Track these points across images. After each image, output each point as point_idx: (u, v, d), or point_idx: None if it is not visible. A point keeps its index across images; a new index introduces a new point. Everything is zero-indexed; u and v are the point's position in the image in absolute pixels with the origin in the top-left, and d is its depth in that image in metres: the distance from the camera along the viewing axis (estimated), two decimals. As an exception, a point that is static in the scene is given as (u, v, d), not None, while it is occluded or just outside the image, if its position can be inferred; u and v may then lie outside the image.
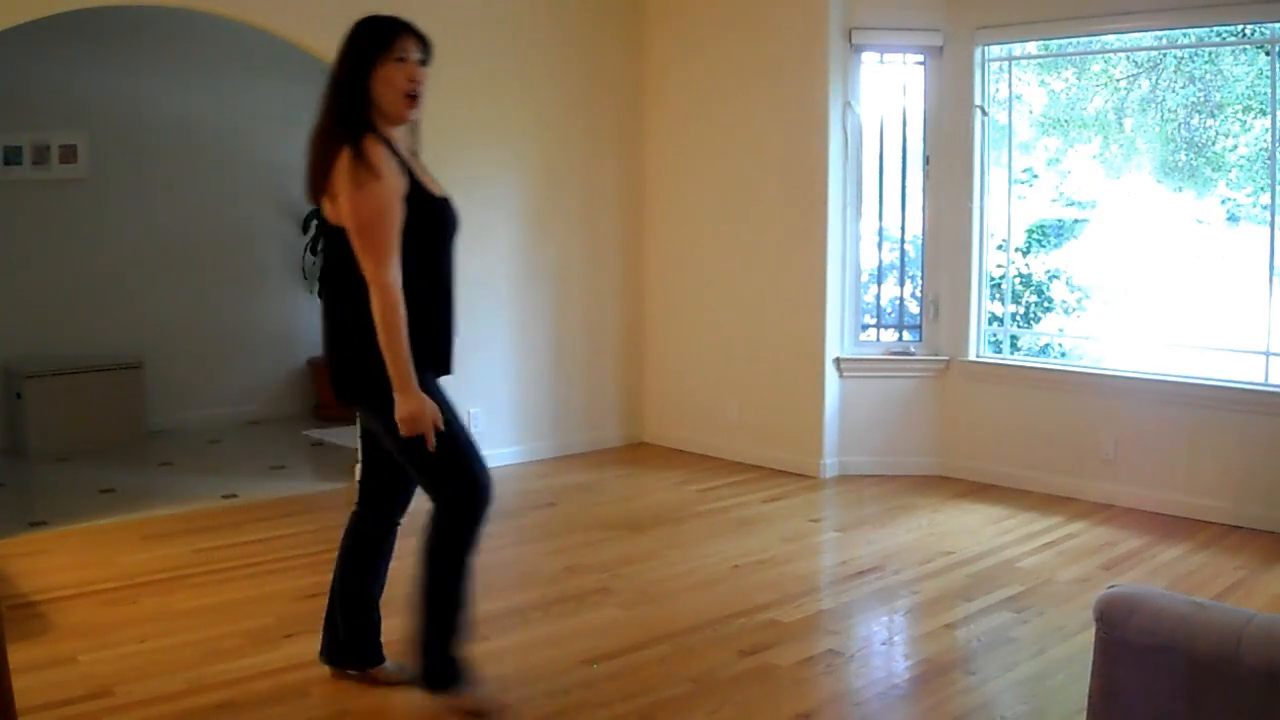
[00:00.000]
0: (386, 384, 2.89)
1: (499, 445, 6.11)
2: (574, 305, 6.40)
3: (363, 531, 3.42)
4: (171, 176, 6.94)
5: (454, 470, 3.13)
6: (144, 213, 6.86)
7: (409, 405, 2.90)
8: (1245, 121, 5.62)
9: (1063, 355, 6.11)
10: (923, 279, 5.99)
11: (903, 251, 6.06)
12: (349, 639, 3.30)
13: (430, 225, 2.99)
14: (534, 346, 6.25)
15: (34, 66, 6.38)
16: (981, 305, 5.86)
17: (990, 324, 5.93)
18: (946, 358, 5.88)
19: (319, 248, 3.08)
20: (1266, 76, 5.13)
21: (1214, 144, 5.78)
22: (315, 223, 2.94)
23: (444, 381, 3.13)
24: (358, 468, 3.44)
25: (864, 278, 6.03)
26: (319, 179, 2.90)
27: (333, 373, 3.08)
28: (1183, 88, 5.78)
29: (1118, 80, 6.00)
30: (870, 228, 6.02)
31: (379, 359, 2.87)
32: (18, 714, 2.42)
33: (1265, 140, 5.19)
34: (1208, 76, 5.65)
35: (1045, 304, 6.34)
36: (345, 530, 3.41)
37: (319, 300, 3.21)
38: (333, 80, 2.94)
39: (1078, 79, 6.13)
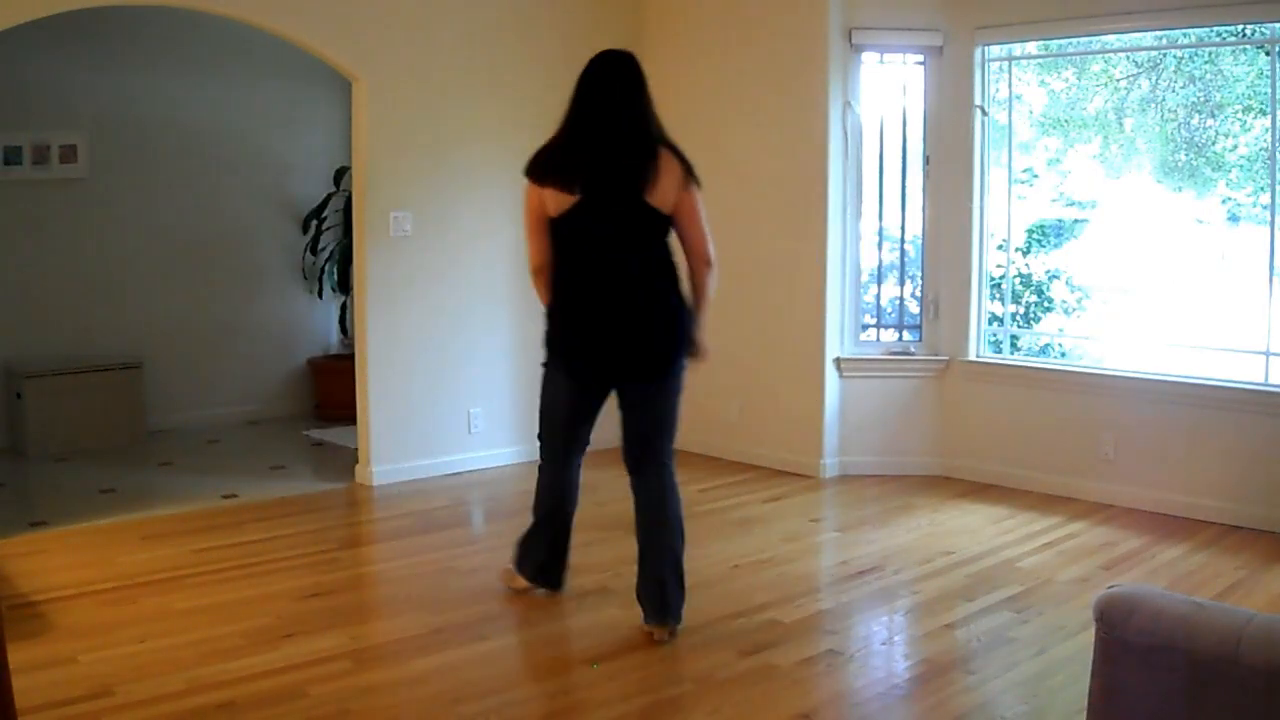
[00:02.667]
0: (685, 352, 3.66)
1: (499, 445, 6.12)
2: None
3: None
4: (171, 176, 6.94)
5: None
6: (144, 213, 6.86)
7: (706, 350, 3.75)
8: (1245, 121, 5.62)
9: (1063, 355, 6.11)
10: (923, 279, 5.99)
11: (903, 251, 6.06)
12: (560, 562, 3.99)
13: None
14: (533, 346, 6.19)
15: (34, 66, 6.38)
16: (981, 305, 5.86)
17: (990, 324, 5.93)
18: (946, 358, 5.88)
19: (595, 233, 3.60)
20: (1266, 76, 5.13)
21: (1214, 144, 5.78)
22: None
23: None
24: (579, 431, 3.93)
25: (864, 278, 6.03)
26: (645, 169, 3.49)
27: (636, 353, 3.62)
28: (1183, 88, 5.78)
29: (1118, 80, 5.99)
30: (870, 228, 6.02)
31: (688, 327, 3.63)
32: (18, 714, 2.42)
33: (1265, 140, 5.19)
34: (1208, 76, 5.65)
35: (1045, 304, 6.34)
36: (569, 475, 3.95)
37: (605, 278, 3.58)
38: (642, 92, 3.58)
39: (1078, 79, 6.13)
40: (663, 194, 3.52)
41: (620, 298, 3.58)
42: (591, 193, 3.51)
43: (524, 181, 3.61)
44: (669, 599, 3.65)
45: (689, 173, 3.56)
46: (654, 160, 3.51)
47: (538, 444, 3.97)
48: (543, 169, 3.56)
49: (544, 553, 3.99)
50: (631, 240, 3.57)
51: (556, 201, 3.53)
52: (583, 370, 3.71)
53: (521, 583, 4.06)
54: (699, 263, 3.65)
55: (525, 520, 4.06)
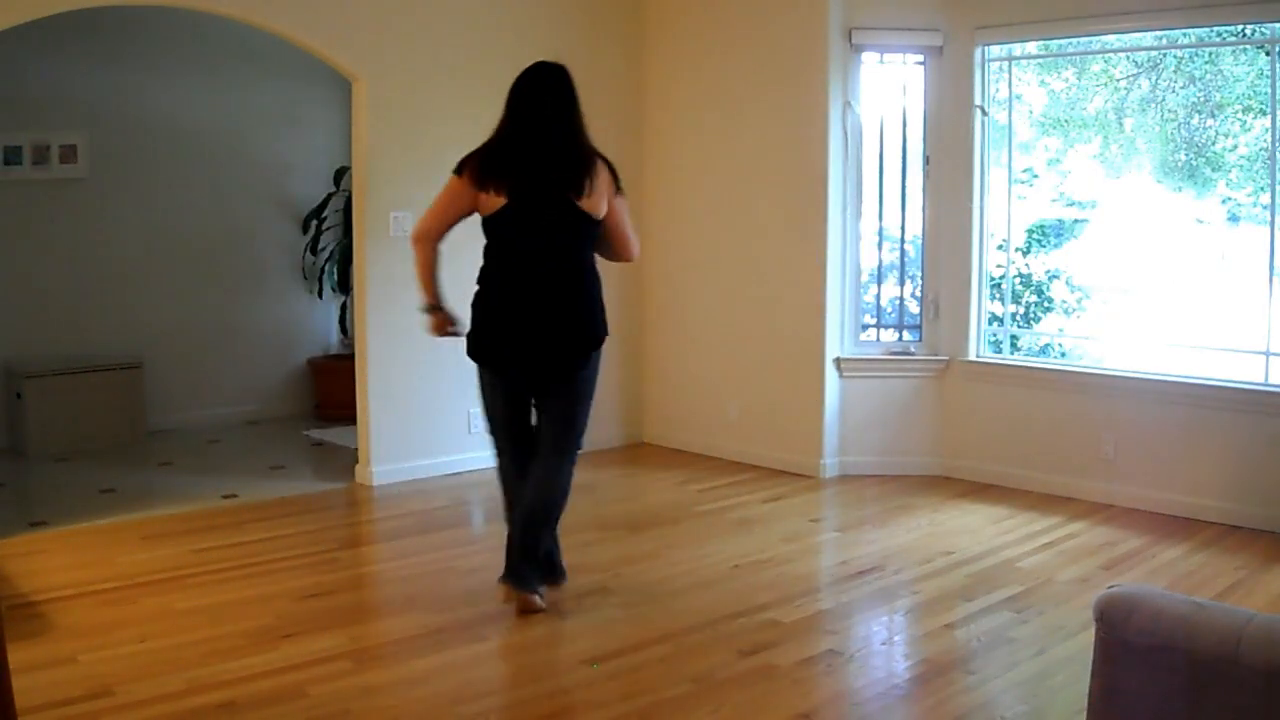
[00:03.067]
0: (598, 350, 3.91)
1: (499, 445, 6.12)
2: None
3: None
4: (171, 176, 6.94)
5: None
6: (144, 213, 6.86)
7: None
8: (1245, 121, 5.62)
9: (1063, 355, 6.11)
10: (923, 279, 5.99)
11: (903, 251, 6.06)
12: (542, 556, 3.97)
13: None
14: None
15: (34, 66, 6.38)
16: (981, 305, 5.86)
17: (990, 324, 5.93)
18: (946, 358, 5.89)
19: (541, 233, 3.84)
20: (1266, 76, 5.13)
21: (1214, 144, 5.78)
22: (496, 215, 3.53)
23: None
24: (512, 422, 4.01)
25: (864, 278, 6.03)
26: (581, 178, 3.74)
27: (575, 333, 3.83)
28: (1183, 88, 5.78)
29: (1118, 80, 5.99)
30: (870, 228, 6.02)
31: (603, 328, 3.91)
32: (18, 714, 2.42)
33: (1265, 140, 5.19)
34: (1208, 76, 5.65)
35: (1045, 304, 6.34)
36: (513, 475, 4.00)
37: (532, 277, 3.80)
38: (576, 104, 3.81)
39: (1078, 79, 6.12)
40: (596, 200, 3.78)
41: (543, 295, 3.79)
42: (527, 196, 3.73)
43: (450, 176, 3.81)
44: (558, 563, 4.01)
45: (617, 181, 3.86)
46: (591, 169, 3.77)
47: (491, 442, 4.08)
48: (484, 172, 3.75)
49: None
50: (560, 243, 3.80)
51: (491, 202, 3.74)
52: (503, 364, 3.86)
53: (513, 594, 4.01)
54: (625, 260, 4.09)
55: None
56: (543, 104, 3.77)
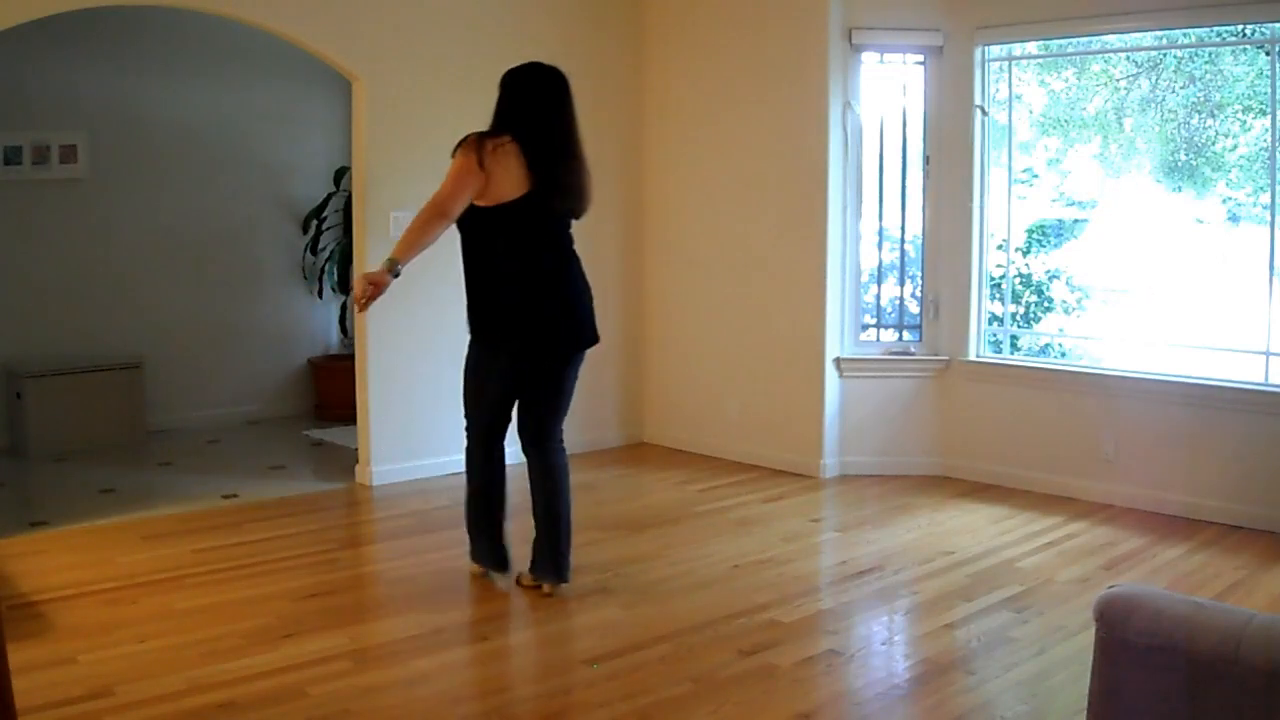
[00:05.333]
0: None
1: (499, 445, 6.11)
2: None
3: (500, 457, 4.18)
4: (171, 176, 6.94)
5: None
6: (144, 213, 6.86)
7: None
8: (1245, 121, 5.62)
9: (1063, 355, 6.10)
10: (923, 279, 5.99)
11: (903, 251, 6.06)
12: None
13: None
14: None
15: (34, 66, 6.38)
16: (981, 305, 5.86)
17: (990, 324, 5.93)
18: (946, 358, 5.89)
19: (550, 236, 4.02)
20: (1266, 76, 5.13)
21: (1214, 144, 5.78)
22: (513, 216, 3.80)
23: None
24: (502, 411, 4.13)
25: (864, 278, 6.03)
26: (587, 189, 3.98)
27: (584, 323, 4.02)
28: (1183, 88, 5.77)
29: (1118, 80, 5.99)
30: (870, 228, 6.02)
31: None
32: (18, 714, 2.42)
33: (1265, 140, 5.19)
34: (1208, 76, 5.65)
35: (1045, 304, 6.33)
36: (497, 458, 4.14)
37: (551, 271, 3.95)
38: (573, 117, 3.93)
39: (1078, 79, 6.12)
40: (581, 203, 4.02)
41: (563, 289, 3.96)
42: (549, 194, 3.85)
43: (458, 155, 3.82)
44: (566, 561, 4.07)
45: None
46: (585, 176, 3.99)
47: (465, 425, 4.15)
48: (512, 163, 3.81)
49: (486, 531, 4.17)
50: (566, 240, 4.00)
51: (504, 191, 3.80)
52: (530, 349, 3.94)
53: (478, 569, 4.27)
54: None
55: (525, 520, 4.07)
56: (560, 114, 3.91)
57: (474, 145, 3.80)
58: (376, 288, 3.79)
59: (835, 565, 4.61)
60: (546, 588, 4.06)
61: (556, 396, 4.06)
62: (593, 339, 4.08)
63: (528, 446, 4.09)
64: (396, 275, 3.83)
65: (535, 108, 3.89)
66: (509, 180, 3.79)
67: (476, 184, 3.79)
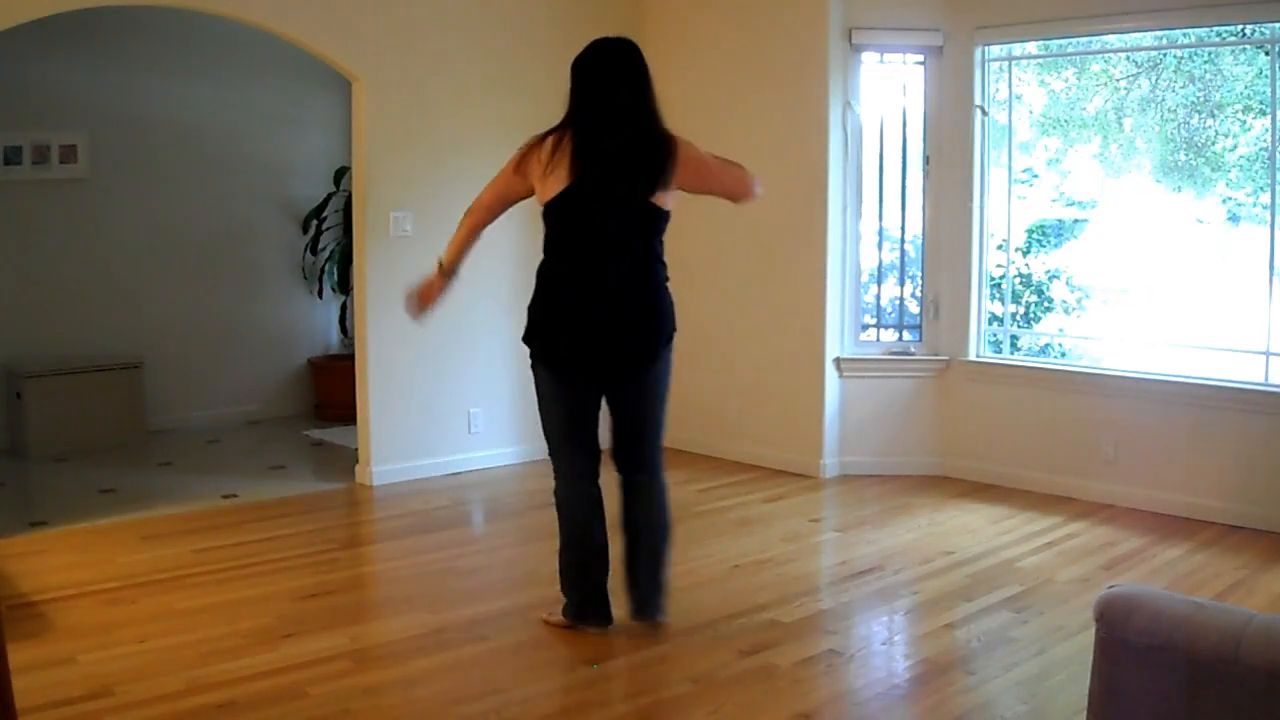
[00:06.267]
0: (669, 344, 3.68)
1: (499, 445, 6.12)
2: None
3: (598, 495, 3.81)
4: (171, 176, 6.94)
5: None
6: (144, 213, 6.86)
7: None
8: (1245, 121, 5.62)
9: (1063, 355, 6.10)
10: (923, 279, 5.99)
11: (903, 251, 6.06)
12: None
13: None
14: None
15: (34, 66, 6.38)
16: (981, 305, 5.86)
17: (990, 324, 5.93)
18: (946, 358, 5.88)
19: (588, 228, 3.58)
20: (1266, 76, 5.12)
21: (1214, 144, 5.77)
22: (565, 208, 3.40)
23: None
24: (577, 442, 3.78)
25: (864, 278, 6.03)
26: (654, 171, 3.52)
27: (640, 330, 3.60)
28: (1183, 88, 5.77)
29: (1118, 80, 5.99)
30: (870, 228, 6.02)
31: (672, 319, 3.68)
32: (18, 714, 2.42)
33: (1265, 140, 5.19)
34: (1208, 76, 5.65)
35: (1045, 304, 6.34)
36: (587, 503, 3.78)
37: (596, 271, 3.55)
38: (648, 86, 3.62)
39: (1078, 79, 6.12)
40: (666, 194, 3.58)
41: (607, 290, 3.53)
42: (593, 186, 3.47)
43: (515, 147, 3.59)
44: (656, 599, 3.72)
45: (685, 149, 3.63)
46: (668, 161, 3.53)
47: (552, 464, 3.79)
48: (548, 155, 3.49)
49: (581, 586, 3.73)
50: (625, 235, 3.57)
51: (549, 188, 3.49)
52: (561, 363, 3.60)
53: (561, 620, 3.79)
54: (748, 198, 4.00)
55: (525, 520, 4.08)
56: (614, 88, 3.52)
57: (523, 147, 3.56)
58: (427, 296, 3.74)
59: (835, 565, 4.61)
60: (645, 626, 3.71)
61: (625, 421, 3.70)
62: (639, 357, 3.61)
63: (617, 471, 3.75)
64: (451, 275, 3.72)
65: (583, 91, 3.55)
66: (557, 175, 3.46)
67: (510, 187, 3.60)
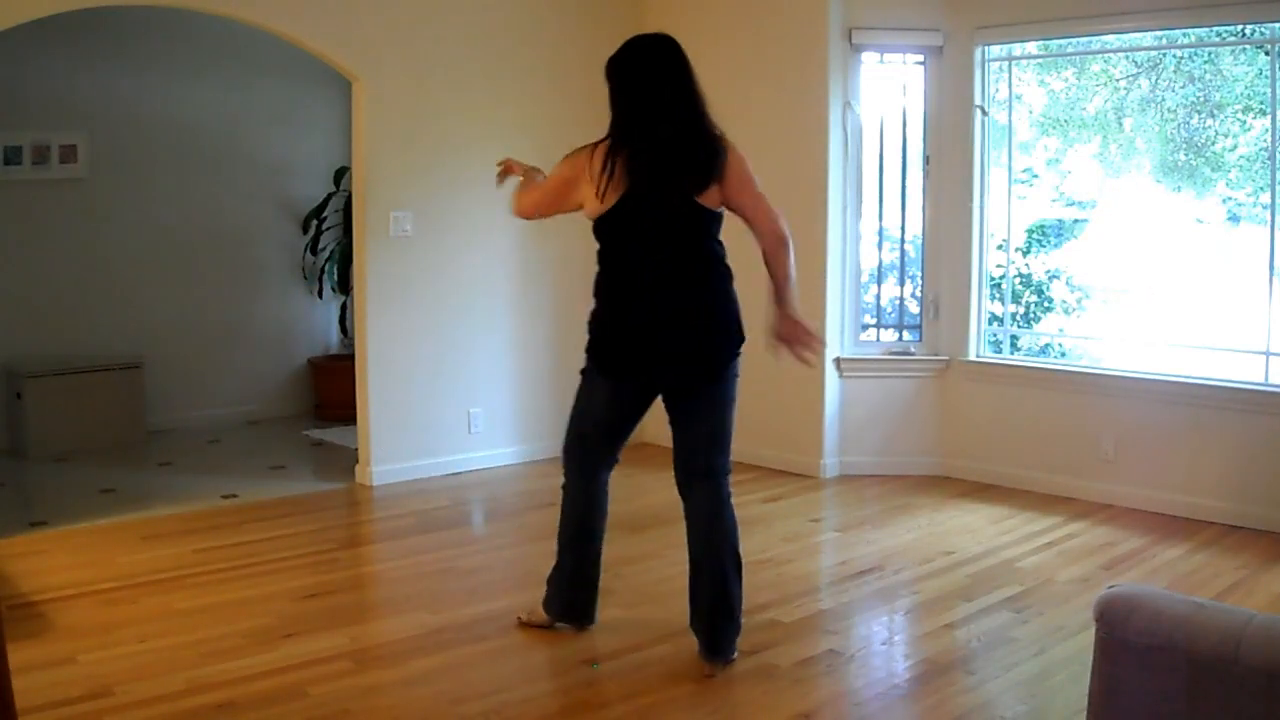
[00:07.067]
0: (737, 354, 3.49)
1: (499, 445, 6.12)
2: (574, 305, 6.38)
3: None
4: (171, 176, 6.94)
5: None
6: (144, 213, 6.86)
7: None
8: (1245, 121, 5.62)
9: (1063, 355, 6.11)
10: (923, 279, 5.99)
11: (903, 251, 6.06)
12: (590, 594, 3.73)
13: None
14: (534, 346, 6.24)
15: (34, 66, 6.38)
16: (981, 305, 5.86)
17: (990, 324, 5.93)
18: (946, 358, 5.88)
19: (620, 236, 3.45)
20: (1266, 76, 5.12)
21: (1214, 144, 5.78)
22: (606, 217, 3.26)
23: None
24: (605, 432, 3.68)
25: (864, 278, 6.03)
26: (701, 172, 3.32)
27: (702, 342, 3.44)
28: (1182, 88, 5.77)
29: (1117, 80, 5.99)
30: (870, 228, 6.02)
31: (739, 327, 3.50)
32: (18, 714, 2.42)
33: (1265, 140, 5.19)
34: (1208, 76, 5.65)
35: (1045, 304, 6.34)
36: (594, 490, 3.72)
37: (650, 283, 3.39)
38: (693, 84, 3.44)
39: (1078, 79, 6.12)
40: (713, 193, 3.39)
41: (664, 302, 3.38)
42: (640, 197, 3.33)
43: (563, 159, 3.49)
44: (718, 634, 3.44)
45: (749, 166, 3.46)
46: (716, 159, 3.35)
47: (562, 460, 3.73)
48: (599, 170, 3.35)
49: (571, 586, 3.71)
50: (677, 242, 3.41)
51: (598, 204, 3.36)
52: (623, 371, 3.48)
53: (542, 618, 3.76)
54: (774, 237, 3.62)
55: (525, 520, 4.08)
56: (657, 88, 3.40)
57: (573, 162, 3.44)
58: (508, 168, 3.88)
59: (835, 565, 4.61)
60: (706, 669, 3.41)
61: (683, 432, 3.61)
62: (698, 362, 3.45)
63: (679, 488, 3.67)
64: (530, 170, 3.81)
65: (624, 95, 3.43)
66: (608, 191, 3.34)
67: (560, 203, 3.50)
